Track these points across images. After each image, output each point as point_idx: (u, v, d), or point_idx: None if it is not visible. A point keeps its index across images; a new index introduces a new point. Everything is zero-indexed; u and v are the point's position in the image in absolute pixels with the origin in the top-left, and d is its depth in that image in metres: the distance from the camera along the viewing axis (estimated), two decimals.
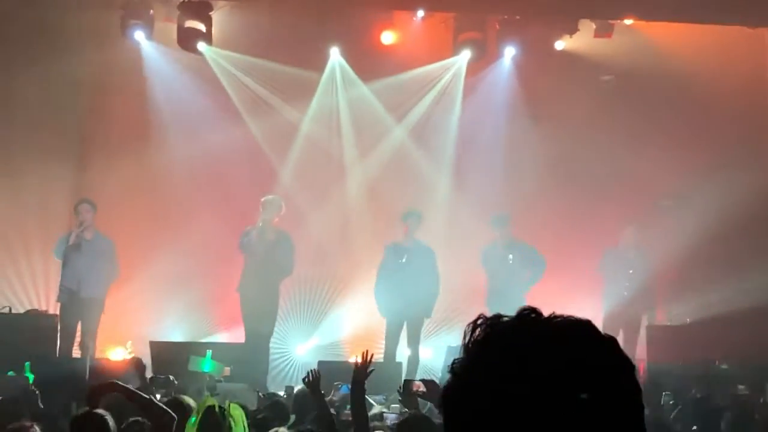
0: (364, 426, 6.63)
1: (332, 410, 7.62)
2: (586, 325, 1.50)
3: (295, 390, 9.73)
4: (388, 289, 12.00)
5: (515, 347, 1.46)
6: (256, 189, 12.91)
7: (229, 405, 5.58)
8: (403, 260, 11.98)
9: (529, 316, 1.51)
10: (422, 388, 7.86)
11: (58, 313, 11.87)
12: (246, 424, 5.60)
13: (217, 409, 5.48)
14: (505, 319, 1.52)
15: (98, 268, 11.81)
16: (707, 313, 12.55)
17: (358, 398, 6.64)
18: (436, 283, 12.09)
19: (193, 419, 5.44)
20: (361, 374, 6.58)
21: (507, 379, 1.43)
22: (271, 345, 12.09)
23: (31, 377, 9.70)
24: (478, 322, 1.53)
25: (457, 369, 1.52)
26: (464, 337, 1.53)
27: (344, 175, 14.31)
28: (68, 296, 11.68)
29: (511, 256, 12.44)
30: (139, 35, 13.59)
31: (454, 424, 1.50)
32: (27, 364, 10.04)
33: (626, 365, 1.49)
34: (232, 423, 5.38)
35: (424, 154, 14.41)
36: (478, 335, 1.51)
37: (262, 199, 12.00)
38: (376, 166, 14.27)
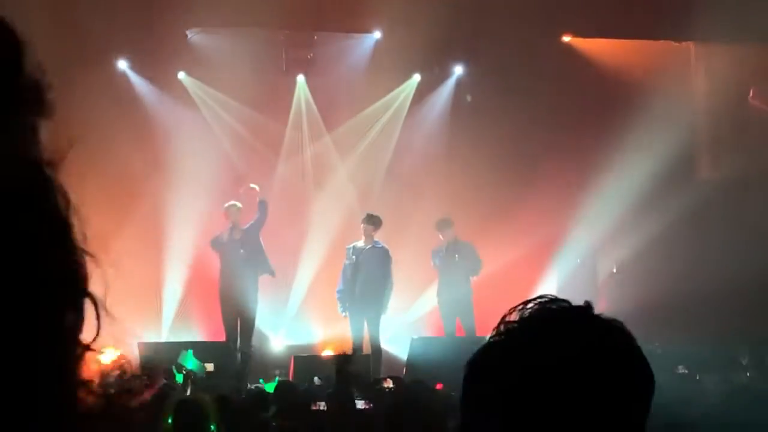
0: (350, 404, 6.67)
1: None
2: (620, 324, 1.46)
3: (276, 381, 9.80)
4: (348, 289, 12.02)
5: (570, 333, 1.42)
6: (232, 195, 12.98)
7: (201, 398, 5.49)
8: (360, 260, 12.01)
9: (581, 308, 1.47)
10: (391, 385, 7.93)
11: None
12: (218, 417, 5.50)
13: (190, 402, 5.40)
14: (557, 305, 1.46)
15: None
16: (647, 301, 12.70)
17: (342, 384, 6.68)
18: (389, 281, 12.08)
19: (169, 419, 5.34)
20: (342, 362, 6.61)
21: (544, 356, 1.39)
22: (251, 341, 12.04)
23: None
24: (534, 302, 1.47)
25: (499, 338, 1.45)
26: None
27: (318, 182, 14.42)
28: None
29: (457, 256, 12.57)
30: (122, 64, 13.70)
31: (485, 390, 1.43)
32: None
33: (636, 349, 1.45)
34: (208, 415, 5.32)
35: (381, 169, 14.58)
36: (531, 312, 1.45)
37: (225, 205, 11.98)
38: (345, 171, 14.41)
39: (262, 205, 12.02)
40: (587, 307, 1.47)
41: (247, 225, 11.94)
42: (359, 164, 14.49)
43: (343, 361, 6.56)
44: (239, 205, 12.04)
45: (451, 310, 12.42)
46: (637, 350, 1.44)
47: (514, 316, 1.46)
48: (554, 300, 1.47)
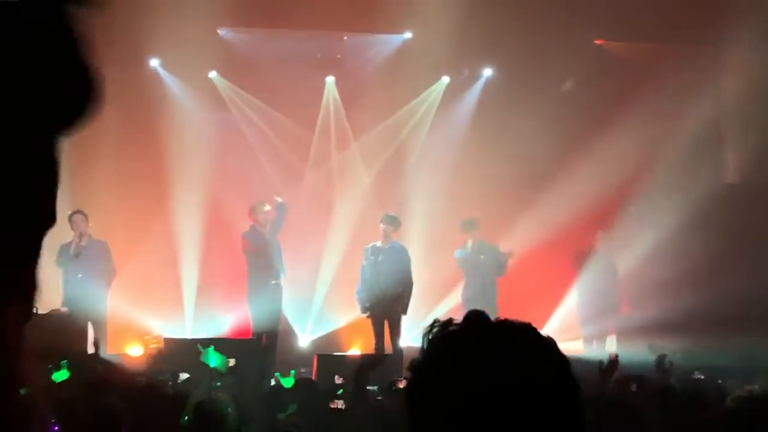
0: (359, 406, 6.65)
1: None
2: (527, 328, 1.53)
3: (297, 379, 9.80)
4: (366, 289, 11.97)
5: (465, 348, 1.49)
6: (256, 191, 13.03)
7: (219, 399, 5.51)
8: (379, 260, 11.99)
9: (476, 320, 1.54)
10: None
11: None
12: (235, 417, 5.52)
13: (207, 405, 5.42)
14: (456, 323, 1.54)
15: (97, 271, 11.79)
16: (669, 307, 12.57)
17: (359, 382, 6.68)
18: (409, 281, 12.05)
19: (185, 417, 5.37)
20: (367, 362, 6.61)
21: (458, 376, 1.46)
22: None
23: (67, 374, 9.61)
24: (434, 325, 1.55)
25: (415, 367, 1.54)
26: (422, 340, 1.55)
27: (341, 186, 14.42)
28: (73, 302, 11.70)
29: (482, 256, 12.50)
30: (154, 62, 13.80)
31: (414, 417, 1.52)
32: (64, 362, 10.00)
33: (562, 362, 1.51)
34: (226, 416, 5.34)
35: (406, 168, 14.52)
36: (434, 337, 1.53)
37: (260, 203, 11.96)
38: (369, 178, 14.36)
39: (281, 208, 12.04)
40: (482, 319, 1.54)
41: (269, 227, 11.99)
42: (385, 169, 14.46)
43: (365, 364, 6.53)
44: (265, 205, 12.00)
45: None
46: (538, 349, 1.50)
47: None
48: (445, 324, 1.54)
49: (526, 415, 1.45)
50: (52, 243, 11.90)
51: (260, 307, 11.78)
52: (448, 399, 1.46)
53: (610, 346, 12.49)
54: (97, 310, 11.75)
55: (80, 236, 11.82)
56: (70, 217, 11.86)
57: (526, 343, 1.50)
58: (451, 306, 13.52)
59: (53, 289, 12.17)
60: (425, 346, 1.54)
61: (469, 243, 12.57)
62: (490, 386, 1.44)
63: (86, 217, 11.94)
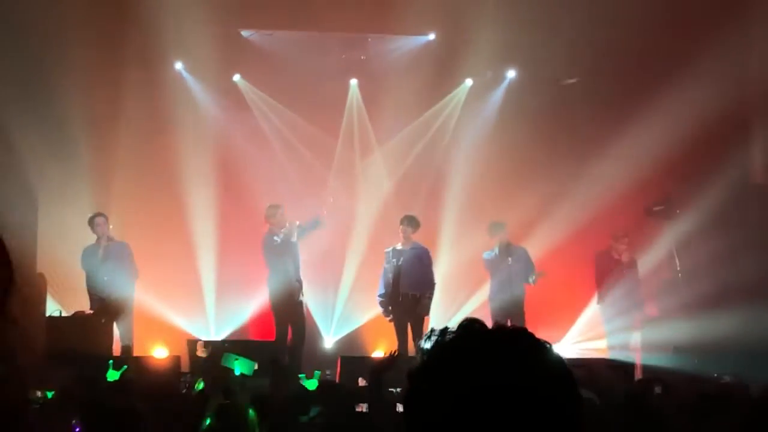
0: (378, 408, 6.61)
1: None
2: (523, 333, 1.53)
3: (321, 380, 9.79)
4: (389, 293, 11.93)
5: (460, 356, 1.49)
6: (278, 195, 13.05)
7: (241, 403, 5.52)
8: (400, 262, 11.93)
9: (472, 327, 1.53)
10: None
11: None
12: (257, 422, 5.53)
13: (229, 407, 5.42)
14: (452, 331, 1.54)
15: (121, 271, 11.83)
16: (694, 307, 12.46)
17: (373, 386, 6.64)
18: (431, 282, 12.03)
19: (207, 420, 5.38)
20: (379, 366, 6.58)
21: (453, 384, 1.46)
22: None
23: (117, 374, 9.62)
24: (430, 334, 1.55)
25: (411, 376, 1.54)
26: (418, 349, 1.56)
27: (362, 187, 14.40)
28: (99, 302, 11.73)
29: (510, 259, 12.43)
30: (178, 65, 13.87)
31: (412, 424, 1.52)
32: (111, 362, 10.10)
33: (559, 367, 1.51)
34: (251, 420, 5.34)
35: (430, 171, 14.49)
36: (430, 346, 1.54)
37: (271, 207, 11.96)
38: (392, 184, 14.35)
39: (315, 222, 12.05)
40: (477, 326, 1.54)
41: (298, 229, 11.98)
42: (408, 172, 14.43)
43: (377, 366, 6.50)
44: (281, 208, 12.00)
45: (502, 314, 12.30)
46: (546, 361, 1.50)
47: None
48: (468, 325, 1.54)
49: (523, 421, 1.45)
50: (75, 246, 12.01)
51: (282, 310, 11.77)
52: (444, 407, 1.46)
53: (635, 344, 12.40)
54: (124, 311, 11.79)
55: (103, 237, 11.85)
56: (91, 220, 11.89)
57: (522, 350, 1.50)
58: (475, 307, 13.49)
59: (79, 290, 12.25)
60: (422, 355, 1.54)
61: (497, 246, 12.49)
62: (486, 393, 1.44)
63: (107, 219, 11.99)
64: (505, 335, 1.53)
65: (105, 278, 11.74)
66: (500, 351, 1.49)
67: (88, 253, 11.90)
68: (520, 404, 1.44)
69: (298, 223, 11.87)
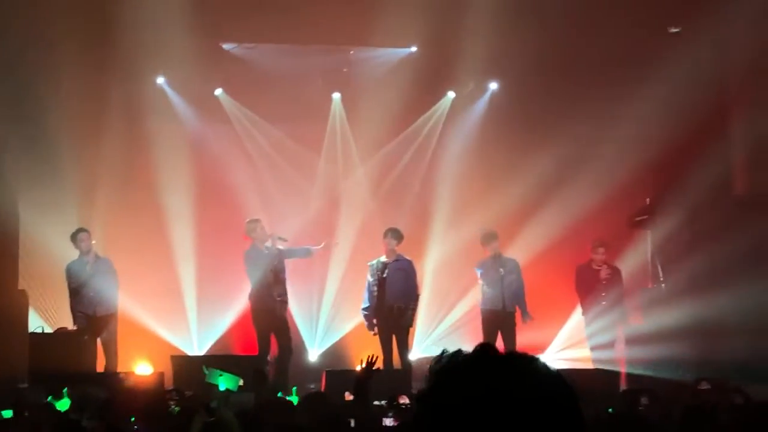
0: (365, 421, 6.55)
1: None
2: (536, 362, 1.52)
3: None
4: (373, 306, 11.87)
5: (474, 383, 1.48)
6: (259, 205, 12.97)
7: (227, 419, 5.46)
8: (384, 275, 11.88)
9: (485, 351, 1.53)
10: (407, 401, 7.81)
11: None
12: None
13: (215, 424, 5.37)
14: (465, 355, 1.54)
15: (106, 287, 11.73)
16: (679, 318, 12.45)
17: (359, 398, 6.58)
18: (415, 295, 12.02)
19: None
20: (362, 375, 6.52)
21: (465, 412, 1.45)
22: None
23: (67, 403, 9.47)
24: (442, 357, 1.55)
25: (422, 399, 1.53)
26: (429, 370, 1.54)
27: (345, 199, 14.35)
28: (84, 318, 11.62)
29: (501, 270, 12.37)
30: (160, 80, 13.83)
31: None
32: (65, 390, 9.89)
33: (571, 399, 1.50)
34: None
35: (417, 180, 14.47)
36: (441, 369, 1.53)
37: (250, 222, 11.95)
38: (377, 200, 14.31)
39: (306, 251, 12.02)
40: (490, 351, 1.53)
41: (286, 248, 11.93)
42: (392, 186, 14.40)
43: (364, 375, 6.44)
44: (259, 222, 11.98)
45: (491, 325, 12.26)
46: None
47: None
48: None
49: None
50: (58, 262, 11.90)
51: (263, 324, 11.72)
52: (457, 425, 1.46)
53: (619, 354, 12.39)
54: (108, 327, 11.68)
55: (88, 252, 11.72)
56: (74, 236, 11.76)
57: (536, 380, 1.49)
58: (459, 316, 13.50)
59: (62, 306, 12.14)
60: (433, 378, 1.53)
61: (490, 256, 12.44)
62: (498, 422, 1.44)
63: (90, 234, 11.87)
64: (520, 364, 1.52)
65: (91, 294, 11.62)
66: (514, 381, 1.48)
67: (74, 269, 11.74)
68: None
69: (279, 236, 11.80)
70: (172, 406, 8.28)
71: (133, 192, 13.51)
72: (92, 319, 11.59)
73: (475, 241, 13.18)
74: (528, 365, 1.51)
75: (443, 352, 1.56)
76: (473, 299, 13.21)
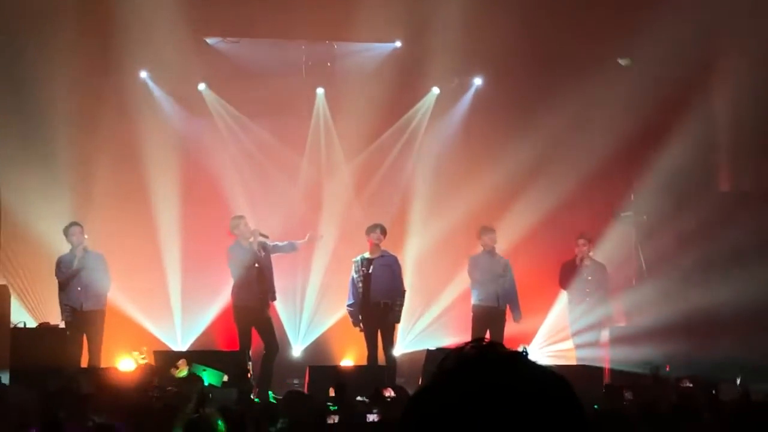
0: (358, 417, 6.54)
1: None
2: (542, 369, 1.47)
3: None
4: (358, 302, 11.80)
5: (474, 385, 1.42)
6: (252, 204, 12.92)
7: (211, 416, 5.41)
8: (369, 271, 11.82)
9: (492, 350, 1.47)
10: (392, 394, 7.79)
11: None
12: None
13: (198, 421, 5.33)
14: (467, 352, 1.48)
15: (95, 282, 11.63)
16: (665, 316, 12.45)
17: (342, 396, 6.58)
18: (401, 290, 11.95)
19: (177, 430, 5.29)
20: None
21: (464, 415, 1.40)
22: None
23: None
24: (450, 354, 1.49)
25: (417, 399, 1.46)
26: (436, 367, 1.48)
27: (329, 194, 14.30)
28: (71, 312, 11.54)
29: (494, 266, 12.28)
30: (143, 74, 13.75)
31: None
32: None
33: (575, 407, 1.44)
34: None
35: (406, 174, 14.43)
36: (448, 365, 1.47)
37: (234, 218, 11.89)
38: (361, 200, 14.26)
39: (291, 246, 11.98)
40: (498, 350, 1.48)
41: (272, 243, 11.88)
42: (374, 187, 14.35)
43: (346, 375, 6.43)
44: (244, 219, 11.90)
45: (483, 321, 12.21)
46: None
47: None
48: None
49: None
50: (50, 256, 11.83)
51: (243, 320, 11.64)
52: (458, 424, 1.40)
53: (602, 349, 12.40)
54: (95, 323, 11.59)
55: (78, 246, 11.63)
56: (67, 229, 11.68)
57: (542, 387, 1.43)
58: (441, 312, 13.47)
59: (50, 301, 12.07)
60: (431, 377, 1.48)
61: (483, 250, 12.38)
62: (498, 420, 1.39)
63: (82, 228, 11.79)
64: (519, 360, 1.46)
65: (78, 288, 11.53)
66: (518, 386, 1.41)
67: (63, 262, 11.67)
68: None
69: (260, 233, 11.72)
70: (155, 401, 8.23)
71: (119, 186, 13.42)
72: (79, 314, 11.50)
73: (456, 234, 13.18)
74: (528, 363, 1.46)
75: (449, 353, 1.50)
76: (455, 293, 13.16)
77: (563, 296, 13.01)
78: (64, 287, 11.57)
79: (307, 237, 12.09)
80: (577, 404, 1.43)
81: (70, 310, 11.51)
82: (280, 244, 11.97)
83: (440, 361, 1.48)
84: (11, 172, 12.61)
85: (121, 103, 13.35)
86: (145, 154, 13.41)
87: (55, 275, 11.67)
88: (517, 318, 12.24)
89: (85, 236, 11.76)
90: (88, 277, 11.58)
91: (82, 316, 11.51)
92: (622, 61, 13.89)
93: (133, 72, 13.67)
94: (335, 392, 6.63)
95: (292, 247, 12.05)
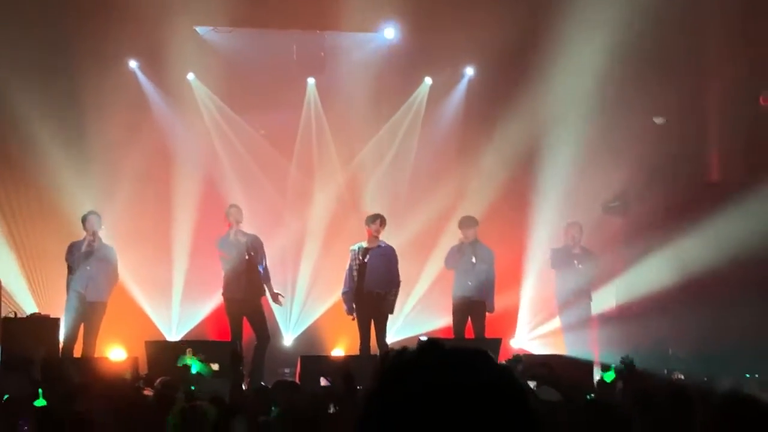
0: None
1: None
2: (484, 358, 1.50)
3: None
4: (354, 290, 11.76)
5: (417, 380, 1.46)
6: (243, 196, 12.88)
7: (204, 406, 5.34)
8: (366, 260, 11.76)
9: (430, 347, 1.51)
10: None
11: (59, 316, 11.65)
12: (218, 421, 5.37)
13: (191, 410, 5.25)
14: (410, 351, 1.52)
15: (103, 274, 11.66)
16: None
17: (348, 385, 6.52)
18: (396, 281, 11.89)
19: (170, 420, 5.21)
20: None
21: (410, 410, 1.44)
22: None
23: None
24: (389, 354, 1.53)
25: (368, 397, 1.50)
26: (376, 369, 1.52)
27: (322, 185, 14.19)
28: (76, 299, 11.51)
29: (474, 258, 12.25)
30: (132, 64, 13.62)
31: None
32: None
33: (519, 394, 1.48)
34: (212, 420, 5.18)
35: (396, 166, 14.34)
36: (388, 365, 1.51)
37: (230, 206, 11.99)
38: (352, 176, 14.17)
39: (265, 271, 11.94)
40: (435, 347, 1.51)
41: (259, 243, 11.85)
42: (360, 168, 14.30)
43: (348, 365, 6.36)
44: (239, 209, 11.97)
45: (463, 311, 12.18)
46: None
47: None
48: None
49: None
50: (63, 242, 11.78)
51: (232, 309, 11.71)
52: (403, 421, 1.44)
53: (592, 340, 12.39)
54: (95, 314, 11.55)
55: (93, 234, 11.60)
56: (85, 217, 11.67)
57: (484, 377, 1.47)
58: (423, 299, 13.41)
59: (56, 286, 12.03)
60: (379, 376, 1.51)
61: (464, 241, 12.31)
62: (442, 419, 1.42)
63: (100, 217, 11.77)
64: (465, 359, 1.49)
65: (85, 276, 11.54)
66: (460, 378, 1.45)
67: (74, 246, 11.66)
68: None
69: (243, 238, 11.63)
70: (144, 392, 8.13)
71: (116, 178, 13.31)
72: (82, 302, 11.51)
73: (442, 223, 13.13)
74: (474, 359, 1.49)
75: (391, 350, 1.55)
76: (436, 281, 13.24)
77: (533, 274, 12.90)
78: (72, 272, 11.59)
79: (278, 294, 12.04)
80: (522, 401, 1.45)
81: (76, 294, 11.50)
82: (263, 256, 11.86)
83: (382, 361, 1.50)
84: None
85: (111, 95, 13.22)
86: (144, 146, 13.31)
87: (65, 259, 11.66)
88: (489, 310, 12.19)
89: (102, 227, 11.73)
90: (97, 267, 11.58)
91: (85, 304, 11.52)
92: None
93: (122, 61, 13.53)
94: (344, 382, 6.57)
95: (265, 275, 11.91)
